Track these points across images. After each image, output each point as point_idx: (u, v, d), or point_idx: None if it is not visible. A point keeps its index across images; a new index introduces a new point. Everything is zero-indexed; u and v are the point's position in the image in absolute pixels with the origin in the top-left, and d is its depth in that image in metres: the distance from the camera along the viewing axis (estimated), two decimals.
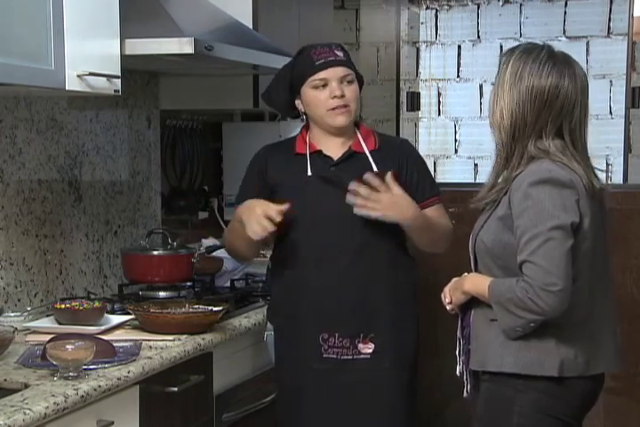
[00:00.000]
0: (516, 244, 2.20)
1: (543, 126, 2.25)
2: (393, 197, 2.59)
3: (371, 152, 2.76)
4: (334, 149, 2.77)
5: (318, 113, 2.72)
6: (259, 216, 2.56)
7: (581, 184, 2.22)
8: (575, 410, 2.31)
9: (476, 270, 2.36)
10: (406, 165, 2.77)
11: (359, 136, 2.79)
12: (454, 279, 2.42)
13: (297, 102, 2.77)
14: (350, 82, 2.72)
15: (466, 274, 2.39)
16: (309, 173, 2.73)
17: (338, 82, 2.70)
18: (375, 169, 2.72)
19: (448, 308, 2.41)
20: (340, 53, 2.72)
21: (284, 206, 2.57)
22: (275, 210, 2.56)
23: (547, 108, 2.24)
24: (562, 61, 2.28)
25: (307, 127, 2.81)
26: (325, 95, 2.69)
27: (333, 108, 2.69)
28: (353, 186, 2.56)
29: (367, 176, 2.58)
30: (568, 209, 2.17)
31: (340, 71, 2.70)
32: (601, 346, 2.30)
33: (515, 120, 2.26)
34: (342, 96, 2.69)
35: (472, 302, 2.35)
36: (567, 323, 2.22)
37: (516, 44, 2.41)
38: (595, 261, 2.27)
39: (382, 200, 2.57)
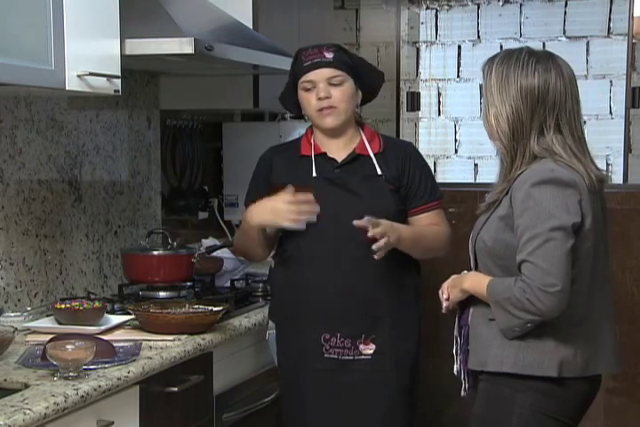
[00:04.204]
0: (516, 243, 2.19)
1: (542, 122, 2.25)
2: (387, 223, 2.59)
3: (375, 155, 2.77)
4: (338, 151, 2.78)
5: (308, 114, 2.76)
6: (281, 209, 2.61)
7: (584, 184, 2.21)
8: (573, 411, 2.31)
9: (476, 270, 2.36)
10: (408, 169, 2.78)
11: (364, 138, 2.79)
12: (453, 276, 2.42)
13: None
14: (338, 83, 2.71)
15: (465, 272, 2.39)
16: (315, 175, 2.73)
17: (325, 83, 2.70)
18: (379, 172, 2.73)
19: (444, 304, 2.40)
20: (328, 55, 2.71)
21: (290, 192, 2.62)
22: (289, 199, 2.61)
23: (540, 105, 2.24)
24: (544, 57, 2.28)
25: (312, 128, 2.83)
26: (313, 97, 2.71)
27: (320, 110, 2.71)
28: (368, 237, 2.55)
29: (358, 223, 2.56)
30: (570, 209, 2.17)
31: (326, 73, 2.70)
32: (600, 347, 2.30)
33: (511, 122, 2.25)
34: (327, 97, 2.69)
35: (471, 301, 2.35)
36: (567, 323, 2.22)
37: (516, 44, 2.41)
38: (595, 261, 2.27)
39: (386, 230, 2.56)
